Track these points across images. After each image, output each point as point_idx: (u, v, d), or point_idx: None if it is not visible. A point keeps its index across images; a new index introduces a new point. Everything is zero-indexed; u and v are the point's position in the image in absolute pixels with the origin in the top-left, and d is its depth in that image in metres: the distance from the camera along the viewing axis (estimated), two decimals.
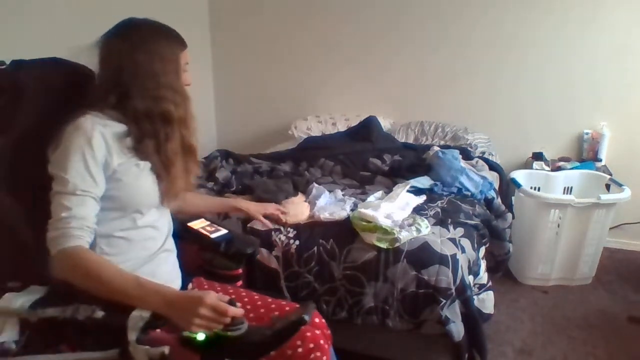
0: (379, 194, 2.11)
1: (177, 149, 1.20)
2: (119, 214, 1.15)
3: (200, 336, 0.92)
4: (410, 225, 1.80)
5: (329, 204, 1.98)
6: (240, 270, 1.44)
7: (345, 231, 1.81)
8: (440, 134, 3.06)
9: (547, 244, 2.53)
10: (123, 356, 0.94)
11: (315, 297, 1.77)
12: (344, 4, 3.31)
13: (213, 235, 1.39)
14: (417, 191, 2.16)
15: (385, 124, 3.15)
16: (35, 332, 1.00)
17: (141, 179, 1.16)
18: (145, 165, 1.17)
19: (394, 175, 2.42)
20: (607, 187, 2.64)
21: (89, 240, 1.04)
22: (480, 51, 3.10)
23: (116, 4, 2.65)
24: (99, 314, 0.95)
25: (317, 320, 1.31)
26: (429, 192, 2.20)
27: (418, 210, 1.98)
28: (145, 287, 0.99)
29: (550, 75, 3.00)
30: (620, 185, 2.55)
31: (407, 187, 2.08)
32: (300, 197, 2.07)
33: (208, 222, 1.48)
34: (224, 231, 1.42)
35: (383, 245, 1.71)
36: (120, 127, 1.15)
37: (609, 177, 2.68)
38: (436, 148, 2.55)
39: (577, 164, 2.89)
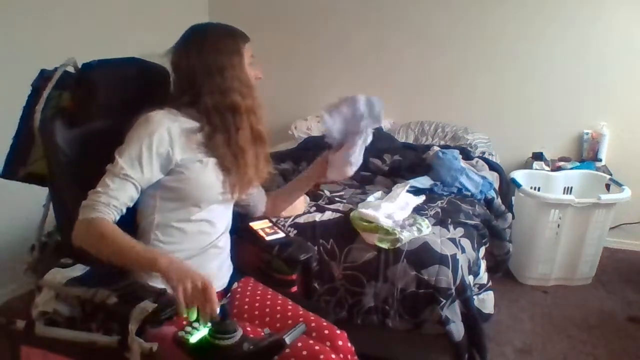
0: (379, 194, 2.11)
1: (248, 137, 1.25)
2: (178, 204, 1.20)
3: (193, 339, 0.93)
4: (411, 225, 1.80)
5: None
6: (295, 277, 1.43)
7: (345, 231, 1.81)
8: (440, 134, 3.06)
9: (547, 244, 2.53)
10: (120, 344, 0.97)
11: (315, 297, 1.77)
12: (344, 5, 3.31)
13: (268, 238, 1.39)
14: (416, 191, 2.16)
15: (385, 124, 3.15)
16: (83, 308, 1.06)
17: (204, 174, 1.21)
18: (209, 161, 1.21)
19: (394, 175, 2.42)
20: (607, 187, 2.65)
21: (112, 218, 1.09)
22: (480, 52, 3.10)
23: (117, 5, 2.66)
24: (113, 300, 0.99)
25: (340, 343, 1.19)
26: (429, 192, 2.20)
27: (418, 210, 1.98)
28: (154, 250, 1.08)
29: (550, 76, 3.00)
30: (620, 185, 2.55)
31: (407, 187, 2.09)
32: None
33: (270, 224, 1.48)
34: (280, 234, 1.42)
35: (384, 246, 1.71)
36: (192, 124, 1.21)
37: (609, 177, 2.69)
38: (436, 148, 2.55)
39: (577, 164, 2.89)
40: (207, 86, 1.20)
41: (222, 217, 1.31)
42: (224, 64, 1.21)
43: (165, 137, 1.14)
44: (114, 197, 1.09)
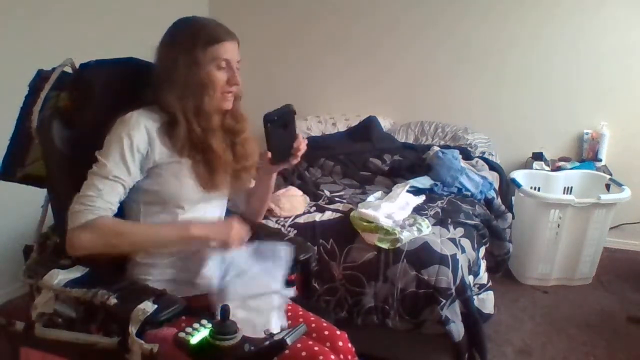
0: (379, 194, 2.11)
1: (215, 134, 1.20)
2: (160, 207, 1.18)
3: (194, 340, 0.93)
4: (411, 225, 1.80)
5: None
6: (294, 277, 1.40)
7: (345, 231, 1.81)
8: (440, 134, 3.06)
9: (547, 244, 2.52)
10: (121, 345, 0.97)
11: (315, 297, 1.77)
12: (344, 5, 3.31)
13: None
14: (416, 191, 2.16)
15: (385, 124, 3.15)
16: (83, 309, 1.07)
17: (181, 174, 1.17)
18: (187, 161, 1.18)
19: (394, 175, 2.42)
20: (607, 187, 2.64)
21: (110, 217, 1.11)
22: (481, 51, 3.10)
23: (115, 4, 2.65)
24: (112, 301, 0.98)
25: (340, 344, 1.20)
26: (429, 192, 2.20)
27: (418, 210, 1.98)
28: (180, 222, 1.18)
29: (550, 75, 3.00)
30: (620, 185, 2.55)
31: (407, 187, 2.09)
32: (296, 190, 2.08)
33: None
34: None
35: (385, 246, 1.71)
36: (161, 122, 1.18)
37: (609, 177, 2.69)
38: (436, 148, 2.55)
39: (577, 164, 2.89)
40: (165, 82, 1.16)
41: (211, 215, 1.27)
42: (178, 60, 1.15)
43: (144, 136, 1.13)
44: (108, 201, 1.08)
